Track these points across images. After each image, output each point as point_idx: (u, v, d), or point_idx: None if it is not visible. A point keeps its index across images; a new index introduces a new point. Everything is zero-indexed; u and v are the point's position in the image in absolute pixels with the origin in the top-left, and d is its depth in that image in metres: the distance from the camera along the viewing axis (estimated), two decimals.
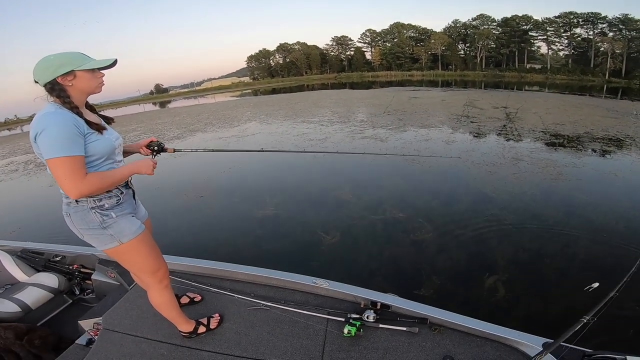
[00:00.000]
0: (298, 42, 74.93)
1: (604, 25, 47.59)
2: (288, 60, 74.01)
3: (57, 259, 2.38)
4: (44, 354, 1.73)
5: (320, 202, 4.62)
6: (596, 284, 1.28)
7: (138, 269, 1.44)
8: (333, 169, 6.07)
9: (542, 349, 1.25)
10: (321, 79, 60.68)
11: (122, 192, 1.35)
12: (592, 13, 48.23)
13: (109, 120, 1.48)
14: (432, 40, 61.03)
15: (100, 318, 1.79)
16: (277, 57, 76.36)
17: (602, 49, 46.34)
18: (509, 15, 55.11)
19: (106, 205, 1.28)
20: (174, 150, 1.63)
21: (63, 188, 1.15)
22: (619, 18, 45.49)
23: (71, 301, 2.30)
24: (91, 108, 1.39)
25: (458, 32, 60.54)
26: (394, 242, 3.49)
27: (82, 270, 2.32)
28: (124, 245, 1.31)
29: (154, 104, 48.87)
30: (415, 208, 4.19)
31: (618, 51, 43.80)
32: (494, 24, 57.37)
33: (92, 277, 2.18)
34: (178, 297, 1.82)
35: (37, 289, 2.15)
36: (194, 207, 4.82)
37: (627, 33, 44.47)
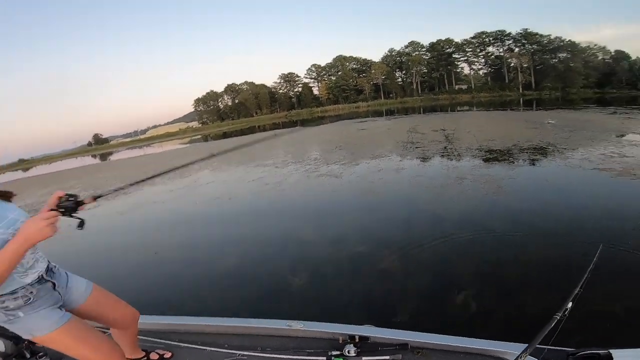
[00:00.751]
0: (246, 82, 75.27)
1: (510, 42, 54.41)
2: (237, 101, 74.16)
3: None
4: None
5: (283, 246, 4.59)
6: (570, 304, 1.36)
7: (77, 357, 1.28)
8: (292, 211, 6.09)
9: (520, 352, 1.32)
10: (272, 119, 61.48)
11: (32, 292, 1.17)
12: (499, 31, 54.81)
13: (7, 195, 1.19)
14: (373, 70, 65.29)
15: None
16: (226, 98, 76.21)
17: (512, 64, 52.84)
18: (434, 40, 61.31)
19: (11, 306, 1.13)
20: (95, 199, 1.20)
21: None
22: (520, 33, 52.39)
23: None
24: None
25: (394, 60, 65.36)
26: (362, 275, 3.54)
27: None
28: (40, 337, 1.19)
29: (94, 156, 45.96)
30: (376, 238, 4.32)
31: (525, 65, 50.14)
32: (423, 49, 63.12)
33: None
34: (147, 353, 1.71)
35: None
36: (150, 265, 4.53)
37: (530, 47, 51.29)
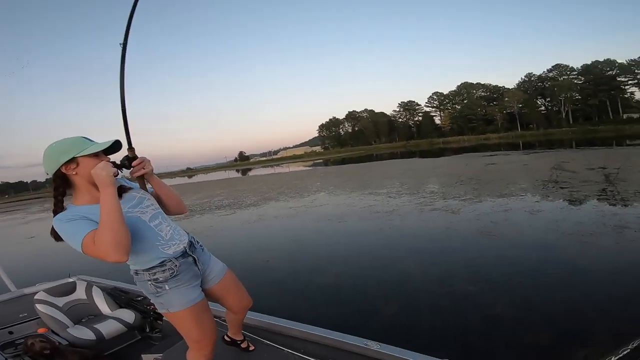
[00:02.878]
0: (365, 110, 77.21)
1: None
2: (357, 128, 76.66)
3: (139, 299, 2.67)
4: None
5: (383, 273, 4.45)
6: None
7: (182, 334, 1.43)
8: (398, 241, 5.87)
9: None
10: (389, 148, 60.99)
11: (176, 265, 1.32)
12: None
13: (123, 191, 1.34)
14: (506, 98, 57.45)
15: (161, 355, 1.96)
16: (347, 125, 79.89)
17: None
18: (588, 62, 50.38)
19: (160, 279, 1.29)
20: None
21: (108, 261, 1.11)
22: None
23: (140, 337, 2.53)
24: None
25: (534, 86, 56.32)
26: (461, 316, 3.15)
27: (156, 311, 2.46)
28: (171, 313, 1.35)
29: (237, 171, 54.39)
30: (491, 282, 3.75)
31: None
32: (574, 73, 52.70)
33: (164, 318, 2.35)
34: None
35: (115, 322, 2.42)
36: (259, 270, 5.09)
37: None
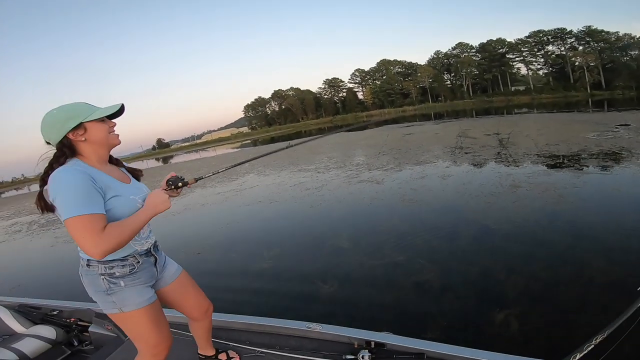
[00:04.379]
0: (292, 88, 76.89)
1: (572, 40, 49.75)
2: (284, 106, 75.99)
3: (54, 313, 2.49)
4: None
5: (318, 251, 4.54)
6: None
7: (136, 338, 1.35)
8: (329, 217, 6.03)
9: None
10: (317, 124, 62.06)
11: (138, 262, 1.27)
12: (558, 29, 50.59)
13: (137, 173, 1.44)
14: (419, 74, 63.19)
15: None
16: (273, 104, 78.58)
17: (577, 63, 48.00)
18: (484, 41, 57.64)
19: (117, 274, 1.22)
20: (196, 180, 1.45)
21: (83, 249, 1.06)
22: (583, 31, 47.85)
23: (70, 352, 2.36)
24: (116, 162, 1.37)
25: (441, 63, 62.91)
26: (395, 286, 3.36)
27: (79, 323, 2.38)
28: (124, 313, 1.25)
29: (157, 159, 50.19)
30: (416, 249, 4.08)
31: (592, 64, 45.34)
32: (473, 50, 59.81)
33: (90, 329, 2.26)
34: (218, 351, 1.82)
35: (34, 339, 2.22)
36: (192, 264, 4.74)
37: (595, 45, 46.36)
